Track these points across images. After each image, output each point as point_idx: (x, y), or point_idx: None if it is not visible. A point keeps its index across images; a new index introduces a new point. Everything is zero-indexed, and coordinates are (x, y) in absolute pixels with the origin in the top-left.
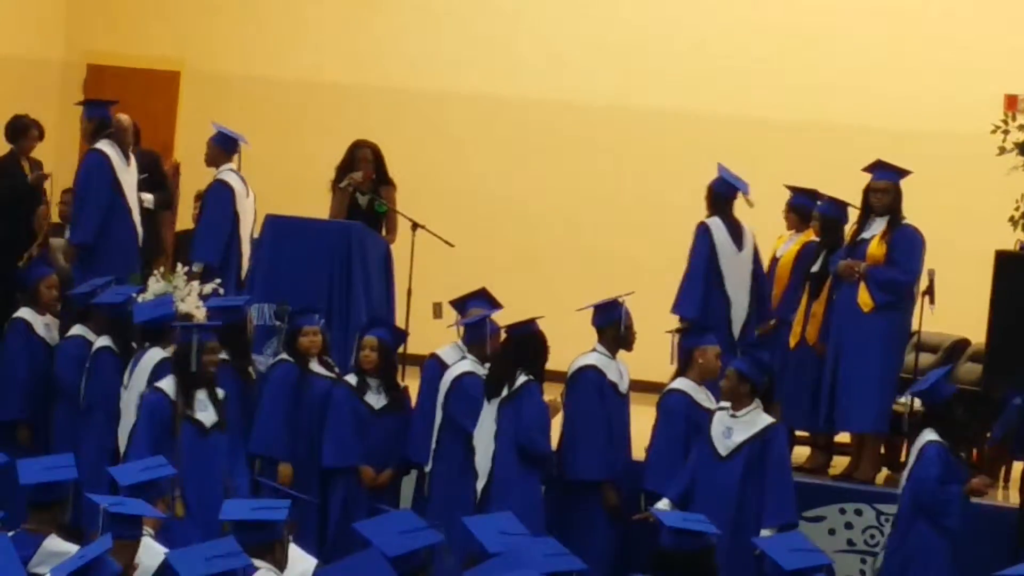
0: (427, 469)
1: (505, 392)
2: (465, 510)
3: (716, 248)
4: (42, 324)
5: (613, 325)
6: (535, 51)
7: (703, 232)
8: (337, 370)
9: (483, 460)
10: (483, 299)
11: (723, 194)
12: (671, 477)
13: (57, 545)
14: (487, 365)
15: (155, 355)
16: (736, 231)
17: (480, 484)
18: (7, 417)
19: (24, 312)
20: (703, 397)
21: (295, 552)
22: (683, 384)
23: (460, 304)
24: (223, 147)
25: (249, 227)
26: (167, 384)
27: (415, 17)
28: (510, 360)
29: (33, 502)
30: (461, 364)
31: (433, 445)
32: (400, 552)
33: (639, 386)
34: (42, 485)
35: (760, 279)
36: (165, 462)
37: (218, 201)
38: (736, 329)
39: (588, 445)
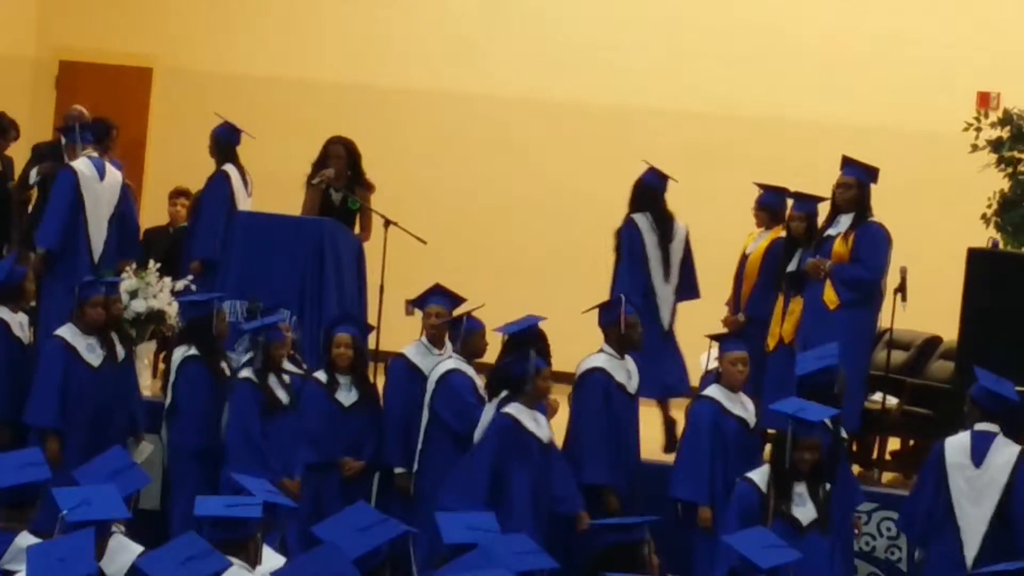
0: (398, 471)
1: (504, 392)
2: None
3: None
4: (17, 323)
5: (615, 325)
6: (511, 49)
7: (224, 178)
8: (305, 366)
9: None
10: (442, 295)
11: (230, 140)
12: (696, 484)
13: (29, 541)
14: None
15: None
16: (245, 176)
17: None
18: None
19: (0, 311)
20: (735, 404)
21: (265, 551)
22: (713, 391)
23: (420, 301)
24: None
25: (104, 211)
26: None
27: (389, 13)
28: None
29: (7, 502)
30: (446, 362)
31: (420, 444)
32: (362, 551)
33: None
34: (18, 487)
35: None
36: (145, 477)
37: (60, 187)
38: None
39: (592, 449)
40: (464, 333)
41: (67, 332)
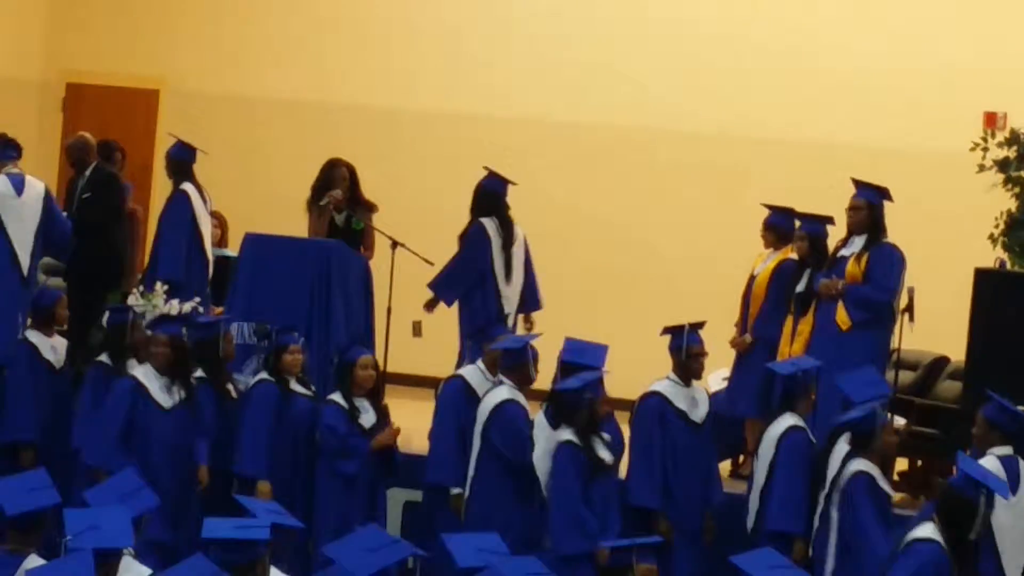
0: (455, 491)
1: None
2: (507, 534)
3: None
4: (49, 346)
5: (676, 352)
6: (515, 69)
7: (183, 196)
8: (314, 388)
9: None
10: (504, 323)
11: (185, 158)
12: (799, 515)
13: (37, 564)
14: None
15: None
16: (203, 193)
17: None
18: (10, 439)
19: (30, 334)
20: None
21: (273, 572)
22: (797, 420)
23: (485, 331)
24: None
25: (28, 226)
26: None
27: (393, 35)
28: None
29: (15, 526)
30: (500, 391)
31: (472, 471)
32: (371, 572)
33: None
34: (26, 512)
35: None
36: (154, 500)
37: None
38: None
39: (641, 472)
40: (529, 362)
41: (140, 372)
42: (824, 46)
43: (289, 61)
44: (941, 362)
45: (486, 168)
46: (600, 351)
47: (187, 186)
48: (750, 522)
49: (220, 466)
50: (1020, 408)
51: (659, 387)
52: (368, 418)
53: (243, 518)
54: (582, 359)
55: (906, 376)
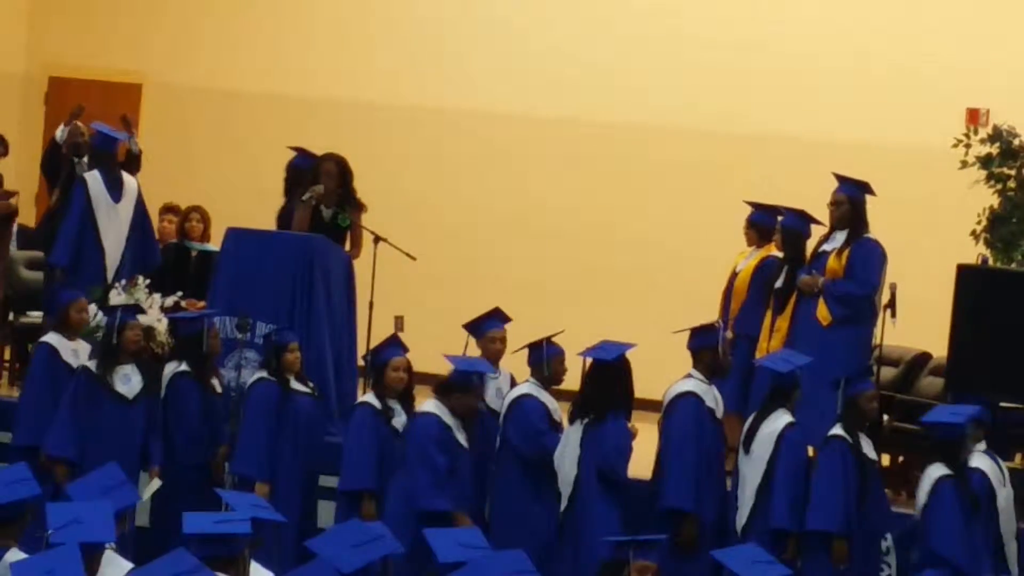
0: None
1: (591, 416)
2: (526, 532)
3: (92, 200)
4: (70, 350)
5: (710, 350)
6: (499, 65)
7: (80, 184)
8: (311, 385)
9: (564, 484)
10: (500, 318)
11: (102, 148)
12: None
13: (20, 558)
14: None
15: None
16: (116, 184)
17: (562, 507)
18: (26, 443)
19: (50, 337)
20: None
21: (254, 566)
22: (790, 417)
23: (476, 325)
24: None
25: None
26: None
27: (380, 31)
28: (602, 385)
29: None
30: (521, 387)
31: (494, 468)
32: (354, 567)
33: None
34: (7, 504)
35: (141, 228)
36: (135, 495)
37: None
38: (110, 276)
39: (681, 475)
40: (545, 359)
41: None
42: (810, 43)
43: (271, 55)
44: (923, 358)
45: (294, 148)
46: (618, 348)
47: (89, 174)
48: (741, 519)
49: (202, 460)
50: (1008, 405)
51: (691, 386)
52: (400, 421)
53: (224, 512)
54: (597, 354)
55: (888, 372)
